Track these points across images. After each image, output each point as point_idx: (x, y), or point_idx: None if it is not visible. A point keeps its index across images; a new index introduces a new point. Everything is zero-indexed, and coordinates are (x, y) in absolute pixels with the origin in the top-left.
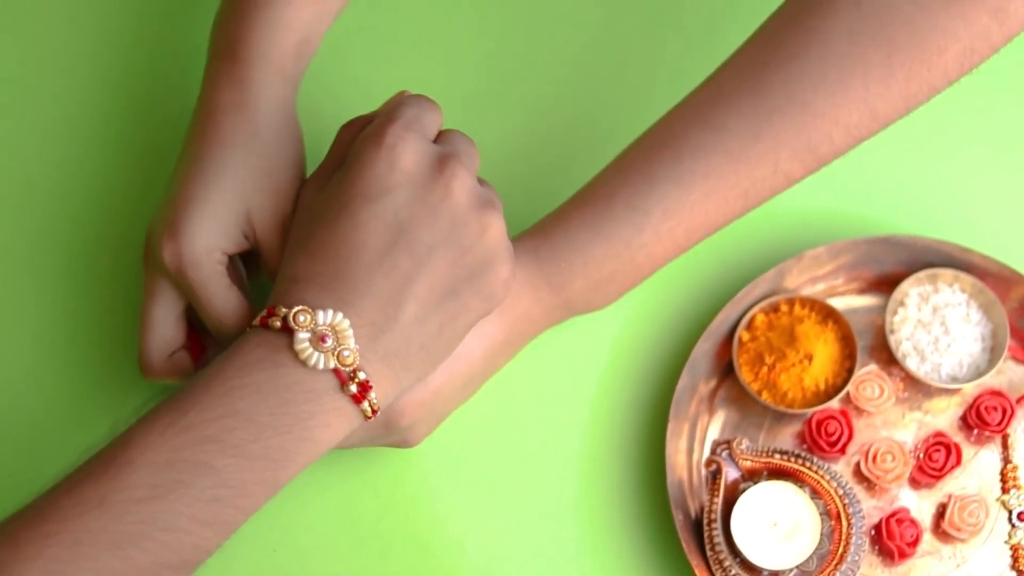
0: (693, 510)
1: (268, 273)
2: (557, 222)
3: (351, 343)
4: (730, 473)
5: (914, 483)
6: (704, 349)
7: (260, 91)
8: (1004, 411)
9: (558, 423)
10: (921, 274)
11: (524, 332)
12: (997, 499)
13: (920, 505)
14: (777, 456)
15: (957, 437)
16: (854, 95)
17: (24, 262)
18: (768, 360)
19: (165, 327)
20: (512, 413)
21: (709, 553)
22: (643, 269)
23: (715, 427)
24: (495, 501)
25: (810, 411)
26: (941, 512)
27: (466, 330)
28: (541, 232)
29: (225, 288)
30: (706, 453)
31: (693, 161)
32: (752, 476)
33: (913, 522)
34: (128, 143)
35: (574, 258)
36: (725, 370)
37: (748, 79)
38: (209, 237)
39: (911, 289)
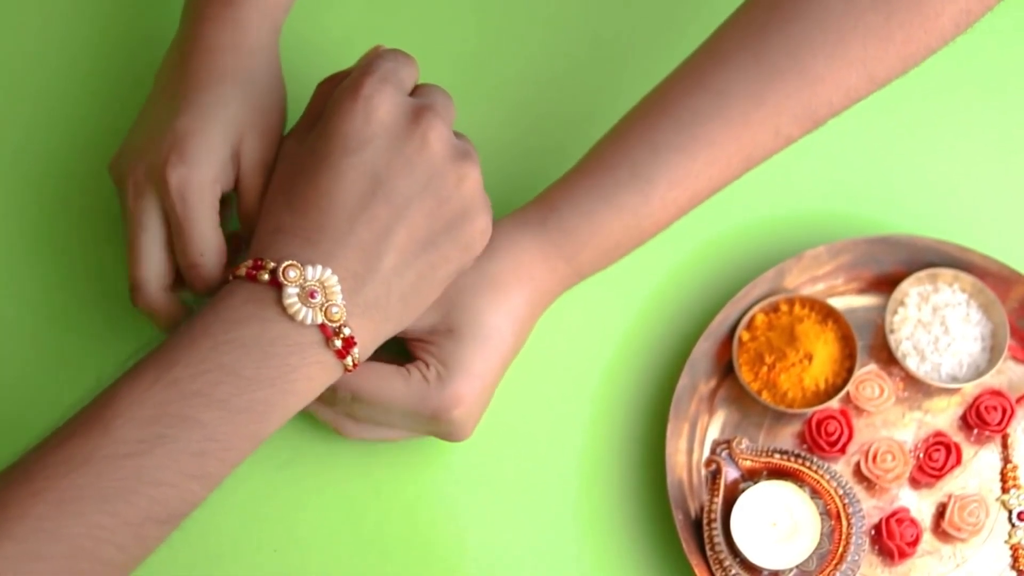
0: (693, 510)
1: (240, 217)
2: (563, 191)
3: (338, 299)
4: (730, 473)
5: (914, 483)
6: (704, 349)
7: (255, 34)
8: (1004, 411)
9: (558, 423)
10: (921, 274)
11: (542, 303)
12: (997, 499)
13: (920, 505)
14: (777, 456)
15: (957, 437)
16: (853, 58)
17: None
18: (768, 360)
19: (158, 254)
20: (513, 412)
21: (709, 553)
22: (647, 234)
23: (715, 427)
24: (496, 501)
25: (810, 411)
26: (941, 512)
27: (445, 281)
28: (548, 202)
29: (216, 224)
30: (706, 453)
31: (695, 127)
32: (752, 476)
33: (913, 522)
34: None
35: (583, 227)
36: (725, 370)
37: (747, 43)
38: (214, 168)
39: (911, 289)
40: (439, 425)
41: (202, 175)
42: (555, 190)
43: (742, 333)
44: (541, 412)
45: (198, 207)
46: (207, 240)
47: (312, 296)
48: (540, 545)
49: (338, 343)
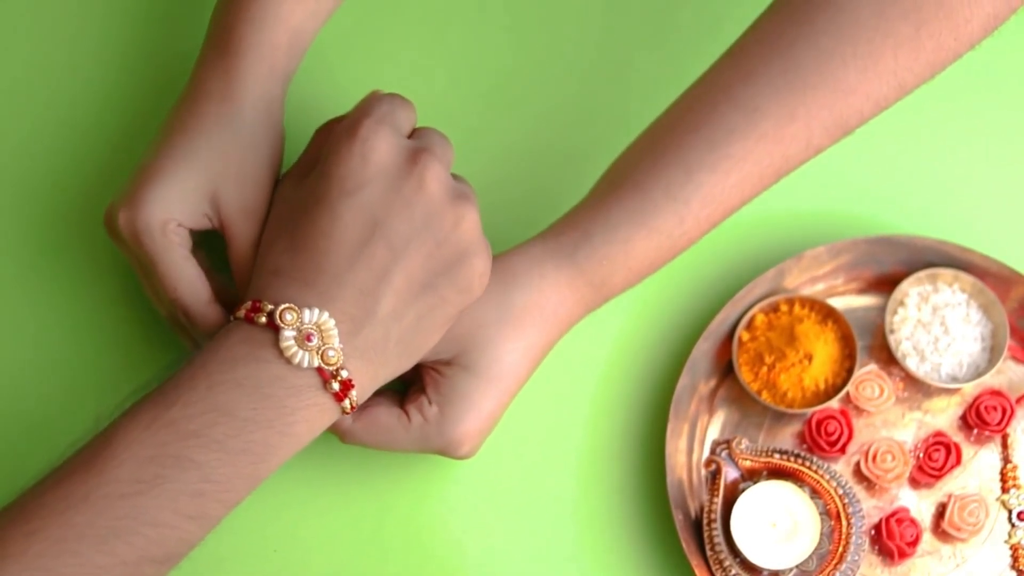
0: (693, 510)
1: (231, 264)
2: (596, 215)
3: (335, 342)
4: (730, 473)
5: (914, 483)
6: (704, 349)
7: (246, 84)
8: (1004, 411)
9: (558, 423)
10: (921, 274)
11: (563, 332)
12: (997, 499)
13: (920, 505)
14: (777, 456)
15: (957, 437)
16: (884, 69)
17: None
18: (768, 360)
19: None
20: (512, 413)
21: (709, 553)
22: (680, 251)
23: (715, 427)
24: (495, 501)
25: (810, 411)
26: (941, 512)
27: (444, 323)
28: (578, 228)
29: (181, 258)
30: (706, 453)
31: (728, 146)
32: (752, 476)
33: (913, 522)
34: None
35: (616, 253)
36: (725, 370)
37: (776, 56)
38: (166, 208)
39: (911, 289)
40: (445, 455)
41: (149, 214)
42: (585, 213)
43: (742, 333)
44: (541, 413)
45: (151, 245)
46: (175, 272)
47: (309, 339)
48: (540, 545)
49: (336, 386)
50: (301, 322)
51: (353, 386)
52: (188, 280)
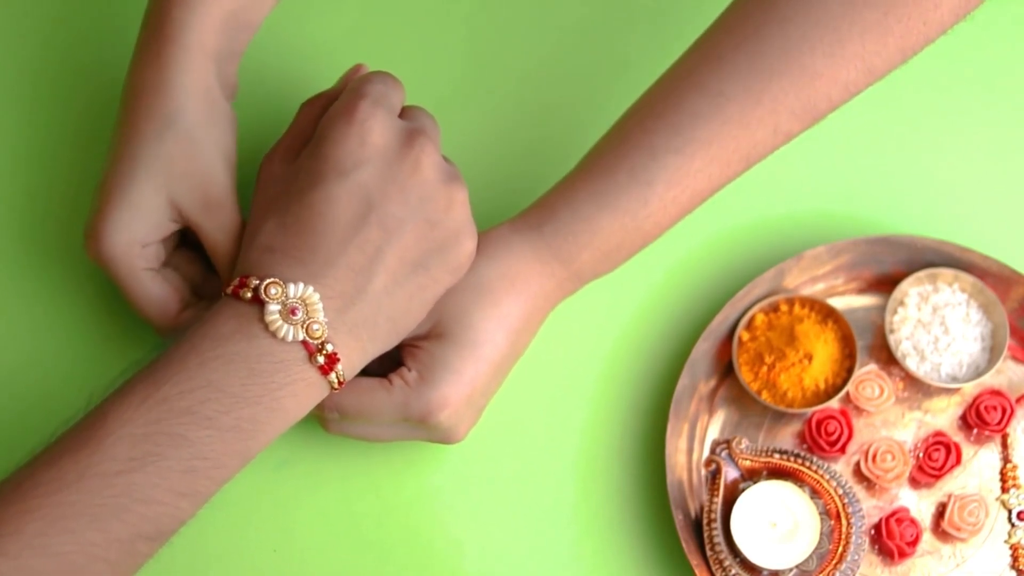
0: (693, 510)
1: (209, 253)
2: (561, 196)
3: (320, 316)
4: (730, 473)
5: (914, 483)
6: (704, 349)
7: (179, 71)
8: (1004, 411)
9: (558, 423)
10: (921, 274)
11: (541, 308)
12: (997, 498)
13: (920, 504)
14: (777, 456)
15: (957, 437)
16: (851, 54)
17: None
18: (768, 360)
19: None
20: (512, 413)
21: (709, 553)
22: (650, 235)
23: (715, 427)
24: (495, 501)
25: (810, 411)
26: (941, 511)
27: (432, 301)
28: (545, 207)
29: (147, 280)
30: (706, 453)
31: (693, 130)
32: (752, 476)
33: (913, 521)
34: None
35: (581, 231)
36: (725, 370)
37: (743, 42)
38: (127, 232)
39: (911, 289)
40: (428, 429)
41: (111, 245)
42: (552, 195)
43: (742, 333)
44: (540, 412)
45: (118, 273)
46: (141, 296)
47: (293, 313)
48: (540, 545)
49: (320, 359)
50: (286, 296)
51: (339, 360)
52: (155, 301)
